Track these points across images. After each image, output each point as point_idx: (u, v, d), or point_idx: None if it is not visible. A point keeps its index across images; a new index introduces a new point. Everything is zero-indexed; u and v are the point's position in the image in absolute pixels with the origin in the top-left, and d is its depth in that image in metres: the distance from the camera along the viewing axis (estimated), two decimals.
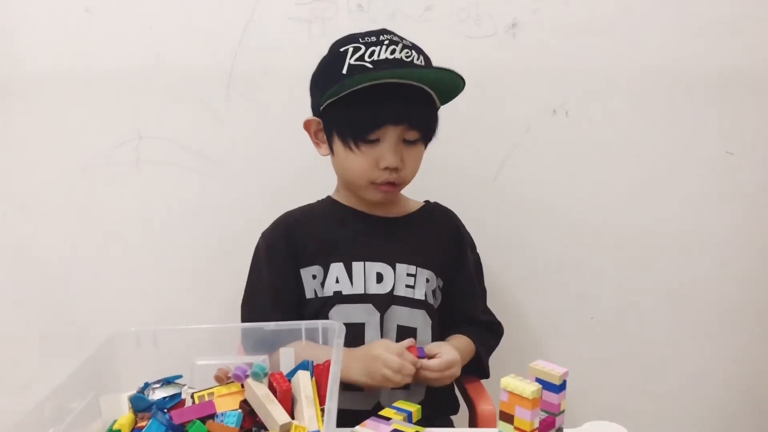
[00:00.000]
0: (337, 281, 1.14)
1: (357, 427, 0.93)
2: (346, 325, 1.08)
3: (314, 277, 1.15)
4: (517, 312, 1.55)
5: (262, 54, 1.45)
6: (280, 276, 1.16)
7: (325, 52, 1.17)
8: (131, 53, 1.45)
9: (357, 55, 1.07)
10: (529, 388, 0.71)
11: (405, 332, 1.13)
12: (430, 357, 1.07)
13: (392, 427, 0.87)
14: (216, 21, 1.45)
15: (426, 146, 1.17)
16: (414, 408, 0.94)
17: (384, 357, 1.01)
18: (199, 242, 1.53)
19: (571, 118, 1.51)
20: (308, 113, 1.20)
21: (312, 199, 1.29)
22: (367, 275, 1.14)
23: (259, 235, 1.24)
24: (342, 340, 0.91)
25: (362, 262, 1.15)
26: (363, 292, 1.14)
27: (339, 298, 1.13)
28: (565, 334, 1.58)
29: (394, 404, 0.95)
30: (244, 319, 1.17)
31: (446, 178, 1.48)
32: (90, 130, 1.48)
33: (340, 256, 1.15)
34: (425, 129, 1.13)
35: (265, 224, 1.25)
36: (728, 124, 1.54)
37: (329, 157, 1.19)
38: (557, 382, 0.75)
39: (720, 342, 1.63)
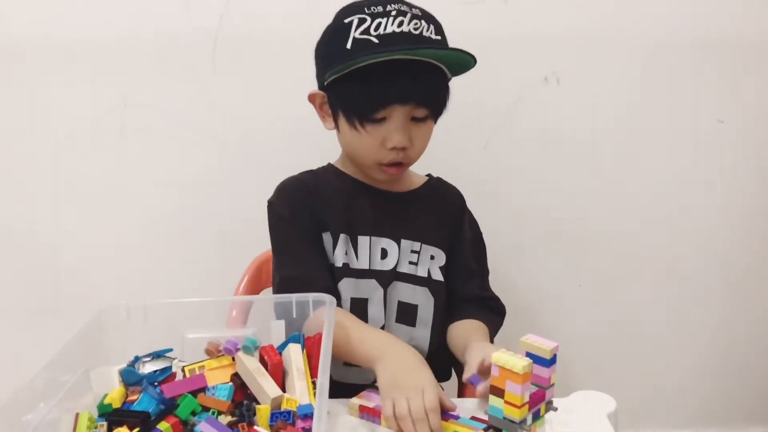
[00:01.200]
0: (346, 253, 1.10)
1: (353, 399, 0.94)
2: (352, 299, 1.10)
3: (332, 242, 1.11)
4: (506, 280, 1.55)
5: (249, 19, 1.42)
6: (315, 234, 1.10)
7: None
8: (115, 19, 1.42)
9: (362, 28, 1.00)
10: (519, 363, 0.71)
11: (406, 309, 1.12)
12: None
13: None
14: None
15: (436, 121, 1.11)
16: None
17: (415, 401, 0.85)
18: (186, 211, 1.52)
19: (563, 86, 1.51)
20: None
21: (304, 164, 1.25)
22: (372, 250, 1.12)
23: (247, 202, 1.21)
24: (333, 313, 0.90)
25: (368, 237, 1.12)
26: (368, 267, 1.11)
27: (347, 270, 1.10)
28: (553, 301, 1.59)
29: None
30: (284, 288, 1.07)
31: (436, 147, 1.44)
32: (74, 98, 1.45)
33: (347, 228, 1.11)
34: (434, 105, 1.07)
35: (254, 193, 1.22)
36: (720, 92, 1.54)
37: (330, 130, 1.14)
38: (548, 357, 0.75)
39: (707, 308, 1.65)
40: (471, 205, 1.31)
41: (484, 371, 0.92)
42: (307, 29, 1.13)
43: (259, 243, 1.31)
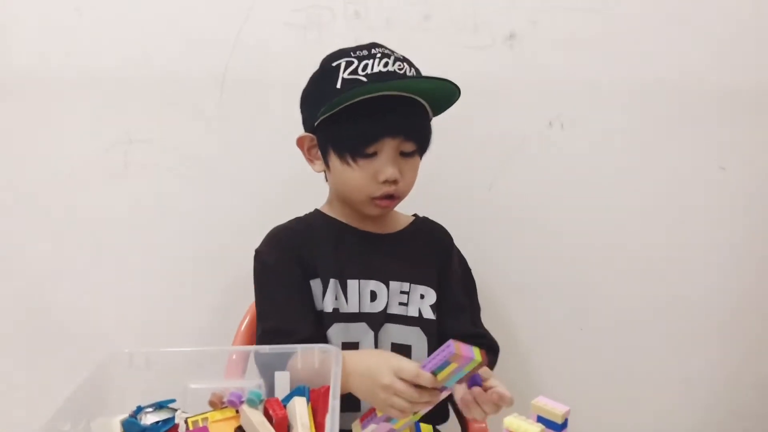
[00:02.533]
0: (336, 298, 1.11)
1: (356, 422, 0.93)
2: (343, 344, 1.10)
3: (322, 288, 1.12)
4: (508, 323, 1.55)
5: (256, 59, 1.43)
6: (300, 284, 1.12)
7: (320, 58, 1.14)
8: (122, 55, 1.42)
9: (350, 69, 1.06)
10: (532, 429, 0.71)
11: (399, 350, 1.11)
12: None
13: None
14: (209, 24, 1.42)
15: (421, 158, 1.16)
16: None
17: (395, 387, 0.87)
18: (188, 248, 1.50)
19: (567, 131, 1.51)
20: (300, 120, 1.18)
21: (303, 206, 1.27)
22: (361, 293, 1.13)
23: (248, 241, 1.20)
24: (340, 368, 0.90)
25: (357, 280, 1.13)
26: (357, 310, 1.12)
27: (337, 315, 1.11)
28: (555, 345, 1.58)
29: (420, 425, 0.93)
30: (266, 339, 1.07)
31: (440, 189, 1.47)
32: (79, 132, 1.45)
33: (336, 272, 1.13)
34: (421, 140, 1.12)
35: (255, 231, 1.22)
36: (721, 139, 1.55)
37: (322, 172, 1.18)
38: (559, 421, 0.74)
39: (710, 355, 1.64)
40: (473, 246, 1.31)
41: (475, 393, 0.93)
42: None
43: None
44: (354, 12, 1.41)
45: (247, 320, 1.33)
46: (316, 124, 1.10)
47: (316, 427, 0.87)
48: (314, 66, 1.15)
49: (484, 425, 1.18)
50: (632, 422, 1.63)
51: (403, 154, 1.10)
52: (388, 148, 1.07)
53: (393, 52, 1.10)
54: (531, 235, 1.56)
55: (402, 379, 0.87)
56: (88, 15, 1.40)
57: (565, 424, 0.75)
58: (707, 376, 1.66)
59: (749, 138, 1.55)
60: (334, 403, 0.80)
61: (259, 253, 1.17)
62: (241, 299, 1.33)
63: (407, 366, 0.87)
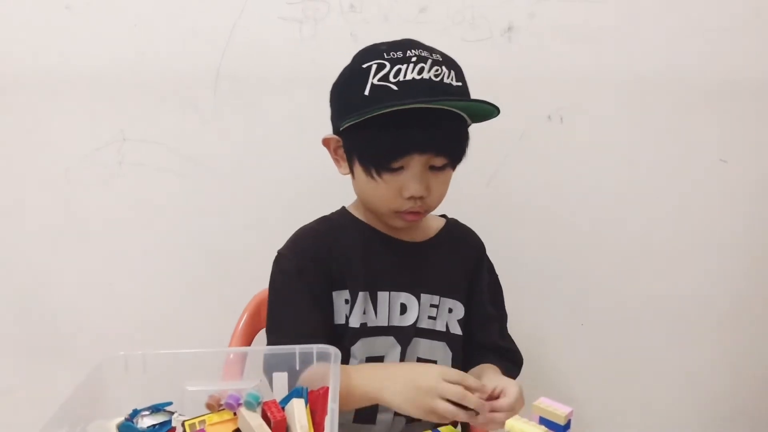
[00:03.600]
0: (365, 312, 1.06)
1: None
2: (367, 358, 1.06)
3: (346, 302, 1.07)
4: (508, 320, 1.54)
5: (251, 54, 1.41)
6: (318, 295, 1.06)
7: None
8: (114, 52, 1.39)
9: (381, 74, 0.96)
10: (534, 431, 0.70)
11: None
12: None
13: None
14: (203, 19, 1.40)
15: (454, 169, 1.07)
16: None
17: (441, 388, 0.86)
18: (183, 247, 1.49)
19: (566, 124, 1.50)
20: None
21: (302, 205, 1.24)
22: (391, 306, 1.08)
23: (244, 240, 1.18)
24: (338, 367, 0.88)
25: (387, 292, 1.08)
26: (387, 324, 1.07)
27: (364, 330, 1.06)
28: (555, 341, 1.58)
29: (439, 429, 0.92)
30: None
31: None
32: (72, 131, 1.43)
33: (366, 284, 1.07)
34: (454, 154, 1.04)
35: (252, 230, 1.21)
36: (722, 131, 1.54)
37: (345, 175, 1.11)
38: (562, 423, 0.73)
39: (711, 349, 1.64)
40: None
41: (492, 397, 0.92)
42: (310, 67, 1.12)
43: (259, 281, 1.29)
44: (350, 5, 1.39)
45: (244, 319, 1.32)
46: (341, 128, 1.03)
47: (315, 429, 0.86)
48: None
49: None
50: (634, 420, 1.63)
51: (433, 168, 1.02)
52: (415, 163, 0.99)
53: (431, 53, 1.01)
54: (530, 231, 1.55)
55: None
56: (80, 12, 1.38)
57: (567, 426, 0.74)
58: (710, 372, 1.66)
59: (750, 130, 1.54)
60: (332, 406, 0.79)
61: (280, 258, 1.09)
62: (238, 297, 1.32)
63: (452, 369, 0.88)
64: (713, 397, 1.66)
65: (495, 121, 1.47)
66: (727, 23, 1.49)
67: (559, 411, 0.73)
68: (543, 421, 0.73)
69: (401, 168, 1.00)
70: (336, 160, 1.09)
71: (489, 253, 1.25)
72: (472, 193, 1.51)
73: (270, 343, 1.05)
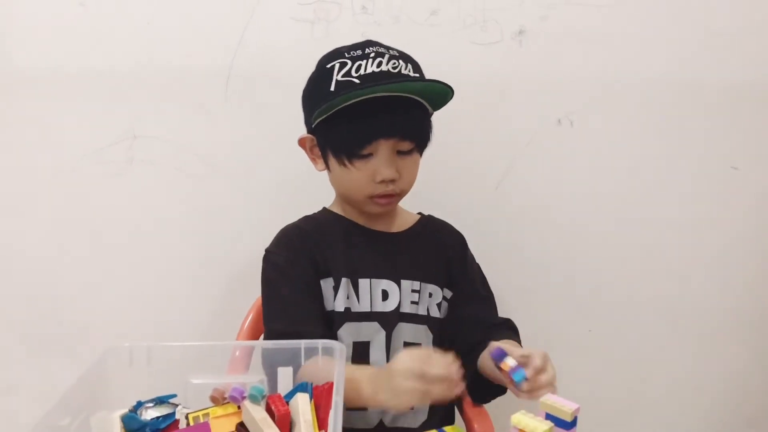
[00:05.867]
0: (348, 297, 1.12)
1: None
2: (354, 343, 1.11)
3: (333, 289, 1.12)
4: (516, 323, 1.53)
5: (263, 54, 1.41)
6: (309, 285, 1.11)
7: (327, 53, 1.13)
8: (126, 50, 1.40)
9: (344, 71, 1.05)
10: (541, 426, 0.69)
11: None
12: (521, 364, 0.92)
13: None
14: (215, 19, 1.40)
15: (421, 154, 1.15)
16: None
17: (410, 368, 0.86)
18: (191, 246, 1.49)
19: (576, 129, 1.49)
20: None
21: (309, 203, 1.26)
22: (373, 292, 1.13)
23: (253, 238, 1.20)
24: (344, 362, 0.88)
25: (368, 279, 1.14)
26: (369, 309, 1.13)
27: (348, 315, 1.11)
28: (563, 346, 1.55)
29: (444, 428, 0.91)
30: (273, 339, 1.07)
31: (447, 187, 1.46)
32: (82, 128, 1.43)
33: (347, 271, 1.13)
34: (418, 138, 1.12)
35: (260, 229, 1.21)
36: (734, 137, 1.53)
37: (324, 171, 1.17)
38: (569, 419, 0.72)
39: (721, 357, 1.62)
40: (480, 246, 1.30)
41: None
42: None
43: None
44: (361, 6, 1.40)
45: (250, 318, 1.32)
46: (313, 126, 1.11)
47: (318, 424, 0.86)
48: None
49: (489, 424, 1.16)
50: (643, 425, 1.61)
51: (401, 153, 1.10)
52: (383, 148, 1.07)
53: (388, 49, 1.09)
54: (539, 236, 1.54)
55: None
56: (93, 10, 1.38)
57: (574, 423, 0.73)
58: (719, 378, 1.64)
59: (762, 137, 1.53)
60: (337, 399, 0.79)
61: (268, 254, 1.16)
62: (244, 296, 1.32)
63: (416, 350, 0.90)
64: (723, 404, 1.65)
65: (504, 125, 1.49)
66: (739, 28, 1.48)
67: (565, 408, 0.73)
68: (549, 418, 0.72)
69: (370, 155, 1.08)
70: (312, 159, 1.18)
71: (495, 256, 1.28)
72: (480, 197, 1.51)
73: (267, 333, 1.11)
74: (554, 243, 1.54)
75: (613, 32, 1.45)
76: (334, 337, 1.09)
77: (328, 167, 1.14)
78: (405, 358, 0.88)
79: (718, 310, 1.59)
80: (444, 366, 0.86)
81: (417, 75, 1.09)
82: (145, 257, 1.48)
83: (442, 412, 1.17)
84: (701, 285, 1.58)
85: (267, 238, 1.19)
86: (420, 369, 0.85)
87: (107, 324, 1.46)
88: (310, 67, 1.15)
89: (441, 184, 1.42)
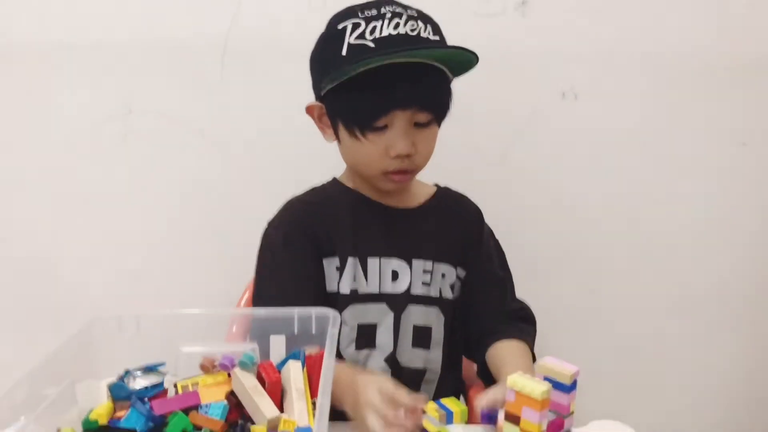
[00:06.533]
0: (354, 279, 1.05)
1: None
2: (359, 326, 1.05)
3: (337, 269, 1.06)
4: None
5: (259, 26, 1.39)
6: (304, 265, 1.05)
7: (325, 24, 1.09)
8: (121, 22, 1.38)
9: (357, 33, 0.96)
10: (538, 387, 0.66)
11: (420, 332, 1.07)
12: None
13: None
14: None
15: (440, 125, 1.06)
16: (458, 409, 0.87)
17: (374, 403, 0.81)
18: (188, 222, 1.47)
19: (580, 102, 1.46)
20: (307, 89, 1.13)
21: (311, 178, 1.21)
22: (382, 273, 1.06)
23: (251, 213, 1.16)
24: (337, 330, 0.85)
25: (377, 258, 1.06)
26: (378, 291, 1.06)
27: (355, 296, 1.05)
28: (567, 326, 1.54)
29: (441, 400, 0.89)
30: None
31: (450, 159, 1.40)
32: (78, 102, 1.41)
33: (355, 250, 1.06)
34: (438, 109, 1.03)
35: (260, 204, 1.17)
36: (743, 113, 1.50)
37: (331, 142, 1.10)
38: (567, 382, 0.69)
39: (728, 338, 1.60)
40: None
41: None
42: (318, 36, 1.10)
43: None
44: None
45: (245, 297, 1.30)
46: (322, 93, 1.03)
47: (311, 392, 0.83)
48: (319, 30, 1.10)
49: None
50: (648, 412, 1.58)
51: (418, 125, 1.01)
52: (399, 120, 0.98)
53: (406, 8, 1.00)
54: (543, 211, 1.52)
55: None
56: None
57: (573, 386, 0.70)
58: (727, 362, 1.61)
59: None
60: (328, 363, 0.76)
61: (268, 227, 1.10)
62: (242, 271, 1.29)
63: (390, 384, 0.83)
64: (730, 389, 1.63)
65: (507, 98, 1.46)
66: (749, 2, 1.45)
67: (565, 370, 0.70)
68: (547, 381, 0.70)
69: (385, 127, 0.99)
70: (321, 128, 1.09)
71: (499, 233, 1.22)
72: (482, 171, 1.49)
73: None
74: (558, 220, 1.52)
75: (619, 3, 1.43)
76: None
77: (338, 138, 1.06)
78: (373, 393, 0.82)
79: (727, 285, 1.57)
80: (404, 412, 0.80)
81: (437, 38, 1.00)
82: (142, 232, 1.47)
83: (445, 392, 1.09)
84: (709, 263, 1.56)
85: (266, 213, 1.16)
86: (383, 410, 0.80)
87: (101, 298, 1.45)
88: (308, 37, 1.11)
89: (443, 159, 1.37)
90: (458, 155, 1.44)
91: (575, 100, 1.46)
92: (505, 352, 1.04)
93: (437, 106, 1.03)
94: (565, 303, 1.54)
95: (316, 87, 1.05)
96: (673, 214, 1.53)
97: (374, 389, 0.82)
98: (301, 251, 1.05)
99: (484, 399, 0.84)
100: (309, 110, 1.08)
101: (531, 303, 1.47)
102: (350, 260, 1.05)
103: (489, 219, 1.26)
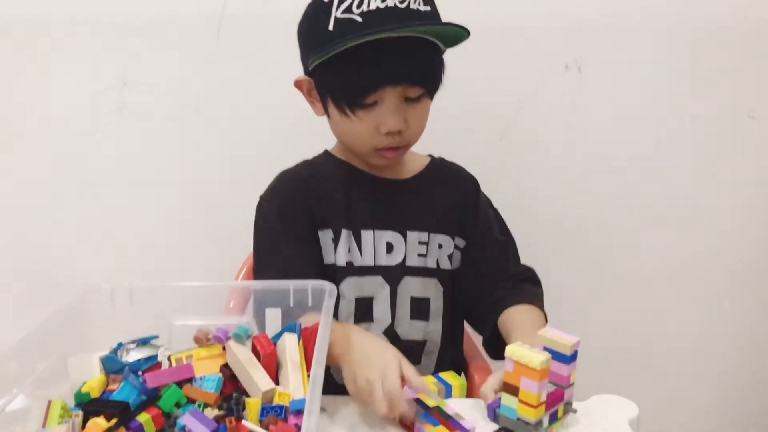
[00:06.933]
0: (349, 251, 1.04)
1: None
2: (356, 299, 1.04)
3: (333, 240, 1.05)
4: None
5: None
6: (300, 235, 1.04)
7: None
8: None
9: (344, 6, 0.92)
10: (537, 357, 0.64)
11: (419, 304, 1.06)
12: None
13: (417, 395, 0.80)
14: None
15: (432, 99, 1.03)
16: (458, 382, 0.86)
17: (390, 370, 0.79)
18: (183, 195, 1.46)
19: (585, 75, 1.43)
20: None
21: (307, 152, 1.19)
22: (376, 245, 1.05)
23: (246, 186, 1.14)
24: (333, 302, 0.84)
25: (371, 231, 1.05)
26: (372, 263, 1.04)
27: (351, 269, 1.04)
28: (569, 300, 1.51)
29: (440, 374, 0.88)
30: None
31: (449, 136, 1.38)
32: (72, 75, 1.40)
33: (349, 223, 1.05)
34: (429, 83, 1.00)
35: (255, 178, 1.15)
36: (752, 85, 1.46)
37: (321, 116, 1.08)
38: (568, 353, 0.68)
39: (731, 310, 1.58)
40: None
41: None
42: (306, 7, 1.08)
43: None
44: None
45: (244, 271, 1.29)
46: (310, 68, 1.01)
47: (306, 365, 0.82)
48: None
49: (486, 365, 1.13)
50: (647, 383, 1.57)
51: (409, 100, 0.99)
52: (389, 96, 0.96)
53: None
54: (544, 186, 1.50)
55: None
56: None
57: (574, 357, 0.69)
58: (728, 336, 1.60)
59: None
60: (323, 333, 0.74)
61: (261, 202, 1.09)
62: (237, 247, 1.28)
63: (407, 363, 0.81)
64: (730, 362, 1.61)
65: (509, 71, 1.44)
66: None
67: (565, 341, 0.68)
68: (548, 351, 0.68)
69: (375, 103, 0.97)
70: (311, 102, 1.07)
71: (500, 208, 1.20)
72: (484, 146, 1.47)
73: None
74: (560, 193, 1.50)
75: None
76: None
77: (327, 113, 1.04)
78: (392, 368, 0.80)
79: (732, 262, 1.55)
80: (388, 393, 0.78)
81: (428, 8, 0.97)
82: (137, 205, 1.46)
83: (445, 365, 1.09)
84: (714, 236, 1.54)
85: (262, 185, 1.14)
86: (397, 392, 0.78)
87: (94, 273, 1.44)
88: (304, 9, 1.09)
89: (442, 133, 1.35)
90: (458, 129, 1.42)
91: (579, 73, 1.43)
92: (516, 318, 1.02)
93: (429, 80, 1.00)
94: (566, 282, 1.51)
95: (304, 61, 1.03)
96: (678, 187, 1.51)
97: (394, 365, 0.80)
98: (295, 222, 1.04)
99: (489, 388, 0.82)
100: (297, 84, 1.07)
101: None
102: (344, 232, 1.04)
103: (489, 194, 1.24)
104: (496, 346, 1.05)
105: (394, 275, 1.05)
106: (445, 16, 0.99)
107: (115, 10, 1.36)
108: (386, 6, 0.92)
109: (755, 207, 1.53)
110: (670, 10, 1.41)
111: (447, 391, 0.88)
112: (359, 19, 0.92)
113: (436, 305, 1.07)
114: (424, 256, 1.07)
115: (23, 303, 1.45)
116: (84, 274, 1.45)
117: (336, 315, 1.01)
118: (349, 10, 0.93)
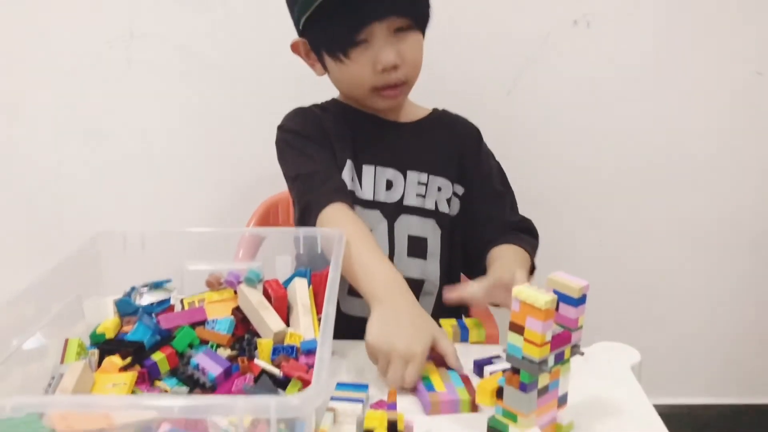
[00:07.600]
0: (352, 180, 1.06)
1: None
2: None
3: (338, 167, 1.07)
4: None
5: None
6: (327, 145, 1.07)
7: None
8: None
9: None
10: (542, 297, 0.65)
11: (415, 242, 1.08)
12: None
13: None
14: None
15: (424, 33, 1.04)
16: (477, 330, 0.88)
17: (417, 357, 0.79)
18: (191, 147, 1.46)
19: (593, 30, 1.43)
20: None
21: (317, 98, 1.19)
22: (377, 180, 1.07)
23: (253, 139, 1.15)
24: (342, 248, 0.85)
25: (372, 166, 1.07)
26: (372, 198, 1.07)
27: (354, 198, 1.05)
28: (574, 256, 1.53)
29: (464, 319, 0.89)
30: (303, 181, 1.03)
31: (456, 90, 1.40)
32: (80, 27, 1.39)
33: (352, 154, 1.07)
34: (416, 12, 1.01)
35: (265, 126, 1.16)
36: (759, 41, 1.46)
37: (321, 75, 1.10)
38: (576, 296, 0.68)
39: (732, 268, 1.60)
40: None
41: (498, 286, 0.86)
42: None
43: (268, 184, 1.26)
44: None
45: (253, 222, 1.30)
46: (301, 28, 1.02)
47: (317, 309, 0.83)
48: None
49: (495, 332, 1.13)
50: (653, 344, 1.59)
51: (399, 31, 0.99)
52: (379, 31, 0.97)
53: None
54: (552, 144, 1.50)
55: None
56: None
57: (582, 300, 0.69)
58: (735, 296, 1.61)
59: None
60: (334, 275, 0.75)
61: (282, 126, 1.11)
62: (247, 196, 1.30)
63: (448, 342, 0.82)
64: (733, 318, 1.63)
65: (516, 26, 1.42)
66: None
67: (573, 284, 0.68)
68: (557, 294, 0.69)
69: (365, 41, 0.98)
70: (311, 64, 1.09)
71: (504, 165, 1.20)
72: (491, 101, 1.47)
73: (292, 177, 1.06)
74: (567, 151, 1.50)
75: None
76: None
77: (326, 68, 1.06)
78: (424, 344, 0.80)
79: (734, 219, 1.56)
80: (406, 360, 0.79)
81: None
82: (145, 160, 1.46)
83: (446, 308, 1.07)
84: (717, 193, 1.54)
85: (269, 137, 1.15)
86: (396, 360, 0.79)
87: (106, 222, 1.42)
88: None
89: (450, 88, 1.36)
90: (465, 83, 1.42)
91: (587, 28, 1.42)
92: (497, 253, 1.03)
93: (414, 9, 1.01)
94: (572, 238, 1.53)
95: (296, 23, 1.05)
96: (684, 145, 1.51)
97: (423, 348, 0.80)
98: (321, 137, 1.07)
99: (454, 291, 0.88)
100: (294, 49, 1.09)
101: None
102: (348, 162, 1.06)
103: (495, 148, 1.24)
104: None
105: (391, 212, 1.07)
106: None
107: None
108: None
109: (763, 163, 1.53)
110: None
111: (462, 334, 0.90)
112: None
113: (434, 245, 1.09)
114: (423, 196, 1.09)
115: (35, 251, 1.46)
116: (94, 222, 1.45)
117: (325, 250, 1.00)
118: None
